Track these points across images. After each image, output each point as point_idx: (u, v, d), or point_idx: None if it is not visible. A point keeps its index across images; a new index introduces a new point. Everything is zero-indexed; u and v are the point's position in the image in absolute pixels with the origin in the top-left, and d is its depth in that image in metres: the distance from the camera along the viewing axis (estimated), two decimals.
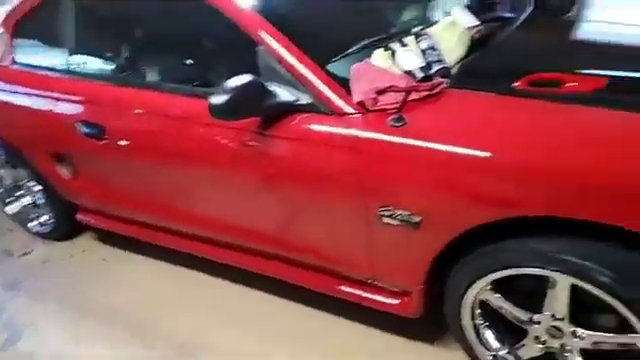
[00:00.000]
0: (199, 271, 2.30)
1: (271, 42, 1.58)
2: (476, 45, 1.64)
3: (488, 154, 1.28)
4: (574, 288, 1.28)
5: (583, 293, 1.27)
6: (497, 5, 1.91)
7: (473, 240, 1.36)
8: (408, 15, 1.92)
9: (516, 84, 1.40)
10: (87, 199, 2.39)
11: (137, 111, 1.93)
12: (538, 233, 1.28)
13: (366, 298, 1.69)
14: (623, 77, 1.39)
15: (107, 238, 2.63)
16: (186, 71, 1.96)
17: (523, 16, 1.85)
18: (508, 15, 1.85)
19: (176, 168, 1.92)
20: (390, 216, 1.44)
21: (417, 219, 1.40)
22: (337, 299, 1.78)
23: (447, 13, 1.74)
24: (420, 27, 1.64)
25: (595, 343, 1.33)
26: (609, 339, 1.31)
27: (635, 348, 1.26)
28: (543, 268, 1.28)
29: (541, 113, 1.32)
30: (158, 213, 2.11)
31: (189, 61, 2.01)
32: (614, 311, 1.24)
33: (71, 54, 2.20)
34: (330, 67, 1.56)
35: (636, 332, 1.23)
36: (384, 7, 2.00)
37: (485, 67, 1.55)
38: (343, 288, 1.73)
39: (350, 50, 1.61)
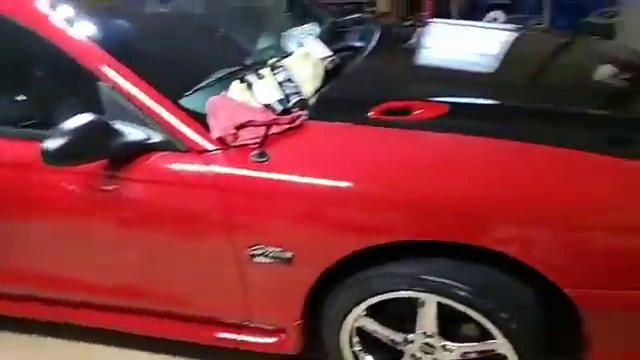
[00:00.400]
0: (39, 334, 1.99)
1: (115, 77, 1.44)
2: (330, 75, 1.67)
3: (349, 184, 1.31)
4: (440, 305, 1.34)
5: (448, 308, 1.34)
6: (347, 34, 1.98)
7: (346, 269, 1.37)
8: (261, 46, 1.90)
9: (370, 113, 1.45)
10: None
11: None
12: (404, 257, 1.32)
13: (242, 342, 1.60)
14: (462, 103, 1.52)
15: None
16: (17, 110, 1.70)
17: (372, 45, 1.93)
18: (358, 44, 1.92)
19: (11, 223, 1.64)
20: (262, 254, 1.38)
21: (289, 255, 1.36)
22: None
23: (300, 44, 1.76)
24: (275, 59, 1.62)
25: (463, 353, 1.41)
26: (474, 348, 1.40)
27: (493, 354, 1.36)
28: (411, 290, 1.33)
29: (395, 141, 1.39)
30: (21, 281, 1.78)
31: (20, 98, 1.75)
32: (476, 322, 1.33)
33: None
34: (184, 102, 1.48)
35: (494, 338, 1.33)
36: (237, 38, 1.96)
37: (341, 97, 1.58)
38: (218, 335, 1.62)
39: (204, 83, 1.54)
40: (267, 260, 1.39)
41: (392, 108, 1.46)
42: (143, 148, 1.42)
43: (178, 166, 1.41)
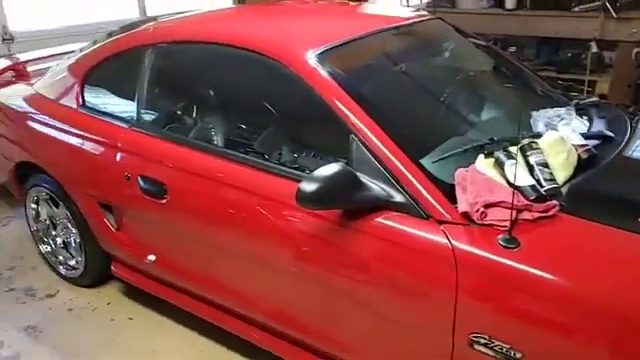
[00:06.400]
0: (229, 349, 2.11)
1: (366, 133, 1.50)
2: (583, 166, 1.53)
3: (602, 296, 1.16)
4: None
5: None
6: (603, 120, 1.80)
7: None
8: (506, 121, 1.82)
9: None
10: (128, 254, 2.25)
11: (218, 178, 1.76)
12: None
13: None
14: None
15: (134, 293, 2.46)
16: (266, 144, 1.83)
17: (626, 136, 1.71)
18: (609, 134, 1.73)
19: (238, 245, 1.77)
20: (485, 345, 1.28)
21: (517, 355, 1.24)
22: None
23: (551, 127, 1.65)
24: (526, 139, 1.53)
25: None
26: None
27: None
28: None
29: None
30: (204, 285, 1.97)
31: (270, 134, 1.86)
32: None
33: (143, 108, 2.11)
34: (430, 167, 1.47)
35: None
36: (480, 107, 1.93)
37: (603, 194, 1.40)
38: None
39: (451, 152, 1.52)
40: (489, 352, 1.28)
41: None
42: (382, 205, 1.44)
43: (415, 231, 1.39)
